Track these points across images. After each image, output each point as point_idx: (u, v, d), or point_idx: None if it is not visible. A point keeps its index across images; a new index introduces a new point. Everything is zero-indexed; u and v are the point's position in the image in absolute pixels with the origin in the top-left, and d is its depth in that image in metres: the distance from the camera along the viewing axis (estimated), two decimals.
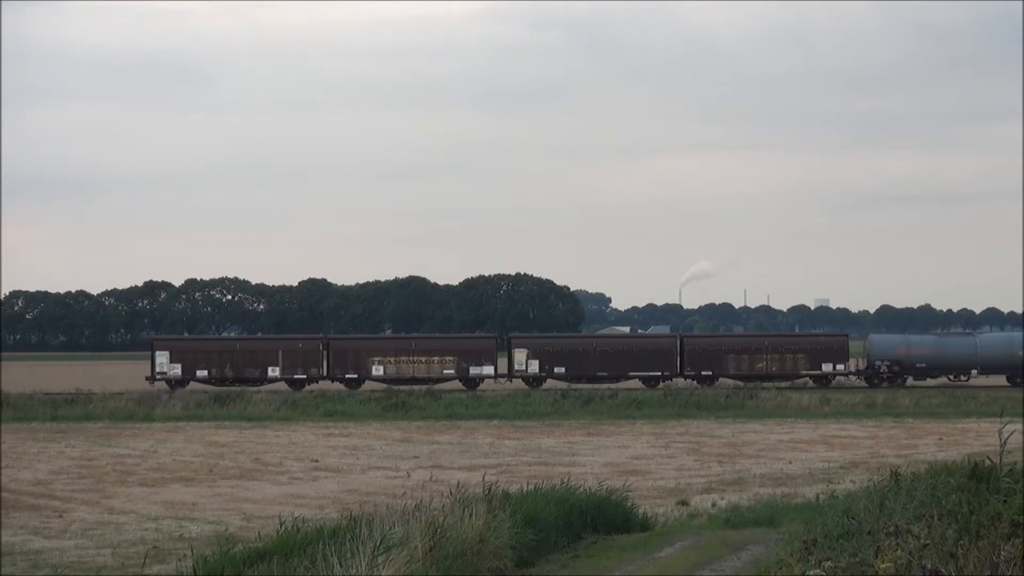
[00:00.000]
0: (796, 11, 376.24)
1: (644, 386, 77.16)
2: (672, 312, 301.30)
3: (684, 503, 29.47)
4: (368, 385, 78.13)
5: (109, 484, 34.93)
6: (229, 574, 14.91)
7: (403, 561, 14.48)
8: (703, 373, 79.75)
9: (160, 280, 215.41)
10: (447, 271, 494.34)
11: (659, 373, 79.77)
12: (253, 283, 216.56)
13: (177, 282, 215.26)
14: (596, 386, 75.00)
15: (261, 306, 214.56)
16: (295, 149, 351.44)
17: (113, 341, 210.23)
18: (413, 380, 78.06)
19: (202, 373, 79.17)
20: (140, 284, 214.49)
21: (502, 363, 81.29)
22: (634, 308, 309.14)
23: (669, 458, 40.76)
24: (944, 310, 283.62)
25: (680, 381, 79.32)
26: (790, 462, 38.82)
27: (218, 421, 56.64)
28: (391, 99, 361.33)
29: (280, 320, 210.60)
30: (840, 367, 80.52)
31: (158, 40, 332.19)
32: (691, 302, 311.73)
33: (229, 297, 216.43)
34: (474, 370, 79.64)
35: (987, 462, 13.92)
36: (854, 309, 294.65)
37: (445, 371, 79.68)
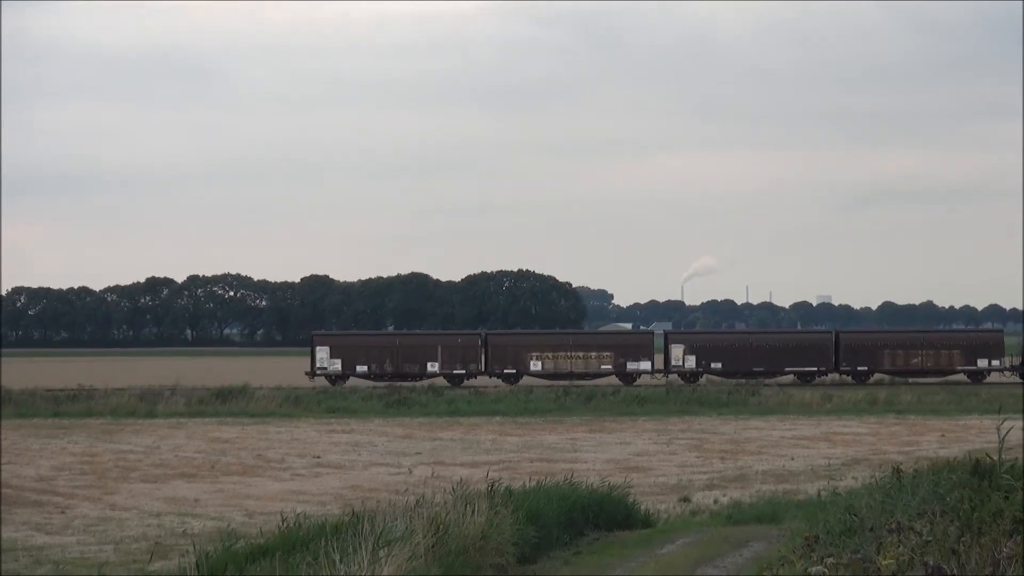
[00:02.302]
0: (798, 9, 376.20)
1: (800, 382, 77.84)
2: (674, 309, 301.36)
3: (686, 500, 29.48)
4: (526, 380, 78.21)
5: (111, 480, 34.96)
6: (231, 570, 14.92)
7: (405, 557, 14.49)
8: (858, 369, 79.96)
9: (162, 276, 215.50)
10: (449, 268, 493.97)
11: (815, 368, 79.93)
12: (255, 279, 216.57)
13: (179, 278, 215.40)
14: (752, 381, 75.55)
15: (263, 302, 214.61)
16: (297, 146, 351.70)
17: (115, 337, 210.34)
18: (571, 375, 78.51)
19: (362, 368, 79.55)
20: (142, 280, 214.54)
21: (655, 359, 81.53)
22: (636, 305, 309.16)
23: (671, 455, 40.77)
24: (946, 307, 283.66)
25: (835, 376, 79.71)
26: (792, 459, 38.82)
27: (220, 417, 56.64)
28: (394, 96, 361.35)
29: (282, 317, 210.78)
30: (995, 363, 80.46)
31: (160, 37, 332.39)
32: (693, 299, 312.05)
33: (231, 293, 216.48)
34: (631, 365, 79.66)
35: (988, 459, 13.94)
36: (856, 306, 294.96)
37: (603, 366, 79.78)
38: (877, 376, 79.62)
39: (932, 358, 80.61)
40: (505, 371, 79.38)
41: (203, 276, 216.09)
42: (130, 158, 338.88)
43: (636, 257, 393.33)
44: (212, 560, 15.29)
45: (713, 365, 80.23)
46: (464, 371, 79.44)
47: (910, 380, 77.47)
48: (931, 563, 8.99)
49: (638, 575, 17.30)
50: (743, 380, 76.44)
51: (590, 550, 19.69)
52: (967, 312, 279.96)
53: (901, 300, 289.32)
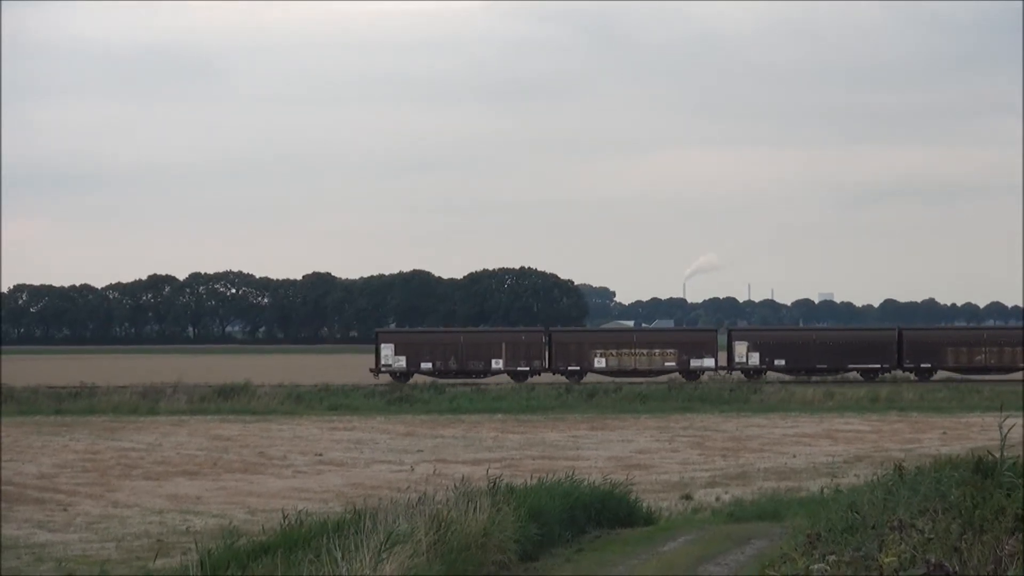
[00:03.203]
0: (800, 7, 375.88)
1: (863, 378, 77.92)
2: (676, 306, 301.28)
3: (688, 497, 29.48)
4: (590, 377, 78.27)
5: (113, 478, 34.97)
6: (233, 568, 14.92)
7: (407, 555, 14.49)
8: (922, 366, 79.99)
9: (164, 274, 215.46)
10: (451, 265, 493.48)
11: (878, 365, 79.96)
12: (257, 277, 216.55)
13: (181, 276, 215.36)
14: (815, 378, 75.74)
15: (265, 300, 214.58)
16: (299, 143, 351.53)
17: (117, 335, 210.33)
18: (635, 372, 78.70)
19: (426, 365, 79.76)
20: (144, 278, 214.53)
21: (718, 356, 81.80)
22: (638, 302, 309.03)
23: (673, 452, 40.77)
24: (948, 304, 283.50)
25: (898, 373, 79.77)
26: (794, 456, 38.82)
27: (222, 415, 56.65)
28: (396, 94, 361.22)
29: (284, 315, 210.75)
30: None
31: (161, 35, 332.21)
32: (695, 296, 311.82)
33: (233, 291, 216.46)
34: (695, 362, 79.75)
35: (990, 457, 13.94)
36: (858, 303, 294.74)
37: (666, 363, 79.86)
38: (941, 374, 79.46)
39: (995, 355, 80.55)
40: (569, 368, 79.47)
41: (205, 273, 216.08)
42: (132, 155, 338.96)
43: (638, 255, 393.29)
44: (214, 558, 15.29)
45: (776, 362, 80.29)
46: (528, 368, 79.61)
47: (973, 377, 77.58)
48: (933, 561, 8.99)
49: (640, 573, 17.30)
50: (806, 377, 76.79)
51: (592, 548, 19.69)
52: (969, 309, 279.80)
53: (903, 297, 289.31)
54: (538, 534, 18.65)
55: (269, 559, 14.93)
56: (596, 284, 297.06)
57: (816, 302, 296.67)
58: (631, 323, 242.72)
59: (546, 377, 78.58)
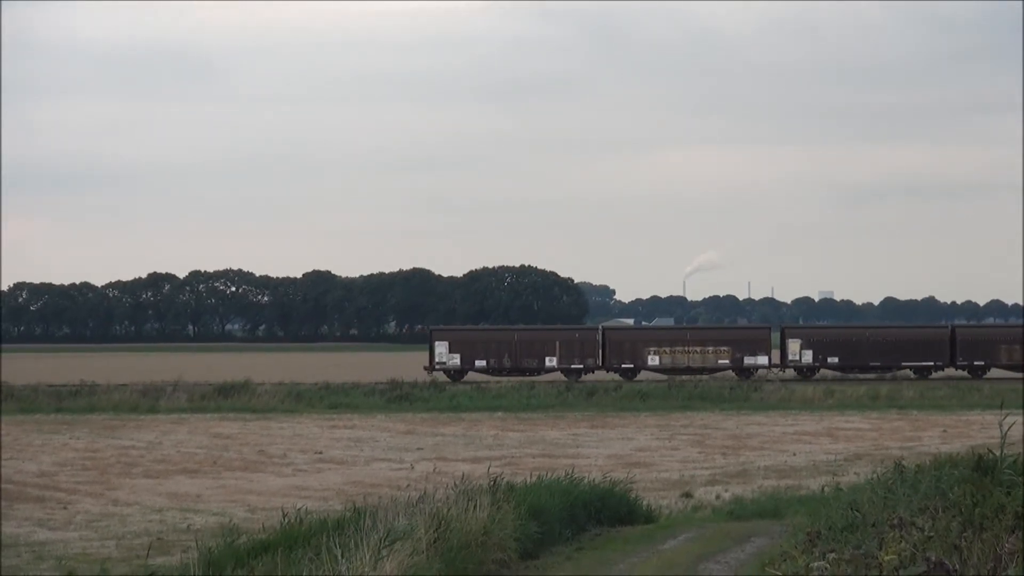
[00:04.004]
0: (801, 5, 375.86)
1: (915, 376, 78.03)
2: (676, 304, 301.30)
3: (688, 495, 29.48)
4: (644, 375, 78.39)
5: (113, 476, 34.97)
6: (233, 566, 14.92)
7: (407, 553, 14.49)
8: (975, 363, 79.96)
9: (164, 272, 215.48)
10: (451, 263, 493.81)
11: (931, 363, 80.00)
12: (257, 275, 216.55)
13: (181, 274, 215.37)
14: (869, 376, 76.04)
15: (265, 298, 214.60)
16: (299, 142, 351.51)
17: (117, 333, 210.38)
18: (688, 370, 78.61)
19: (480, 363, 79.98)
20: (144, 276, 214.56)
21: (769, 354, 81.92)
22: (638, 300, 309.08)
23: (673, 450, 40.77)
24: (948, 302, 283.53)
25: (951, 371, 79.81)
26: (794, 454, 38.83)
27: (222, 413, 56.65)
28: (397, 92, 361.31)
29: (284, 313, 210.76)
30: None
31: (161, 33, 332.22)
32: (695, 294, 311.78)
33: (233, 289, 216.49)
34: (748, 360, 79.86)
35: (990, 455, 13.93)
36: (858, 301, 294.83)
37: (720, 361, 79.93)
38: (995, 371, 79.29)
39: None
40: (623, 366, 79.59)
41: (205, 272, 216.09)
42: (132, 154, 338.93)
43: (638, 253, 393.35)
44: (214, 556, 15.29)
45: (830, 360, 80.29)
46: (582, 366, 79.72)
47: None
48: (933, 559, 8.98)
49: (640, 570, 17.30)
50: (860, 375, 76.79)
51: (592, 546, 19.69)
52: (969, 307, 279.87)
53: (903, 295, 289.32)
54: (538, 532, 18.64)
55: (269, 557, 14.93)
56: (596, 282, 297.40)
57: (816, 300, 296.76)
58: (631, 321, 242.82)
59: (599, 375, 78.80)
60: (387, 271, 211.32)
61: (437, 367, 79.55)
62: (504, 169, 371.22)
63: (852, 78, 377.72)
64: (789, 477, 32.86)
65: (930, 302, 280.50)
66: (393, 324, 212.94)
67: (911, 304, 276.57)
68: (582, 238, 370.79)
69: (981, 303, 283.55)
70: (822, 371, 79.84)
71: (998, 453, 13.65)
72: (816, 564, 10.14)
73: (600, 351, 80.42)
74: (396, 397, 62.10)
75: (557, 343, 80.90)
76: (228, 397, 61.57)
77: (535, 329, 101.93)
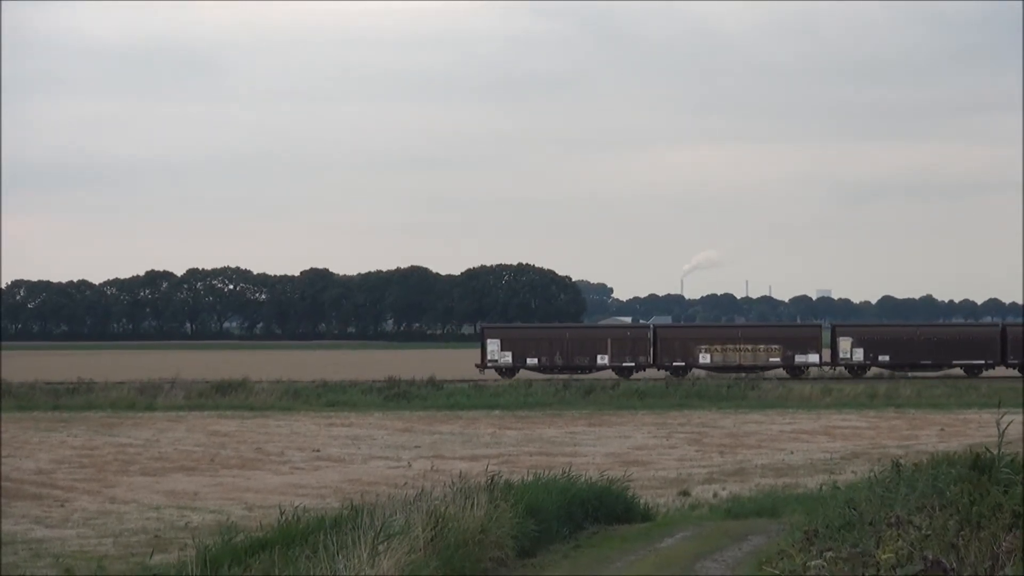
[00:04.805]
0: (801, 4, 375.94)
1: (965, 374, 78.00)
2: (674, 302, 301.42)
3: (685, 493, 29.47)
4: (694, 373, 78.44)
5: (111, 473, 34.95)
6: (231, 564, 14.91)
7: (404, 551, 14.48)
8: None
9: (162, 270, 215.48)
10: (449, 261, 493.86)
11: (982, 362, 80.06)
12: (255, 273, 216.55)
13: (179, 272, 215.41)
14: (920, 374, 76.25)
15: (263, 296, 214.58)
16: (297, 140, 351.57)
17: (115, 330, 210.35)
18: (739, 368, 78.97)
19: (532, 361, 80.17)
20: (142, 274, 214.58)
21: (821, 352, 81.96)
22: (635, 298, 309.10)
23: (671, 448, 40.76)
24: (946, 301, 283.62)
25: (1002, 370, 79.83)
26: (792, 452, 38.82)
27: (220, 411, 56.61)
28: (395, 90, 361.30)
29: (281, 311, 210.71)
30: None
31: (160, 31, 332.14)
32: (693, 293, 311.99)
33: (231, 287, 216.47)
34: (799, 358, 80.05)
35: (988, 453, 13.92)
36: (856, 300, 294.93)
37: (771, 359, 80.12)
38: None
39: None
40: (674, 364, 79.78)
41: (202, 269, 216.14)
42: (130, 151, 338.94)
43: (636, 251, 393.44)
44: (211, 553, 15.27)
45: (881, 358, 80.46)
46: (633, 364, 79.99)
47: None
48: (930, 557, 8.98)
49: (638, 569, 17.29)
50: (910, 373, 76.95)
51: (589, 544, 19.68)
52: (967, 306, 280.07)
53: (900, 294, 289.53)
54: (536, 530, 18.64)
55: (266, 555, 14.92)
56: (594, 280, 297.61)
57: (814, 299, 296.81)
58: (628, 319, 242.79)
59: (651, 372, 79.01)
60: (385, 269, 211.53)
61: (489, 365, 79.99)
62: (503, 167, 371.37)
63: (852, 77, 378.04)
64: (786, 475, 32.85)
65: (928, 301, 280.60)
66: (391, 322, 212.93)
67: (909, 303, 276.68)
68: (580, 236, 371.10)
69: (979, 302, 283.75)
70: (872, 369, 79.99)
71: (996, 452, 13.64)
72: (813, 562, 10.15)
73: (651, 349, 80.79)
74: (393, 395, 62.05)
75: (609, 341, 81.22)
76: (226, 395, 61.53)
77: (587, 327, 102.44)
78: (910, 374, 78.07)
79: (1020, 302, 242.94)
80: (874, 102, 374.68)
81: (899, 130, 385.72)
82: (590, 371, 79.53)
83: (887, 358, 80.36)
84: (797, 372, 79.05)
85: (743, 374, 76.01)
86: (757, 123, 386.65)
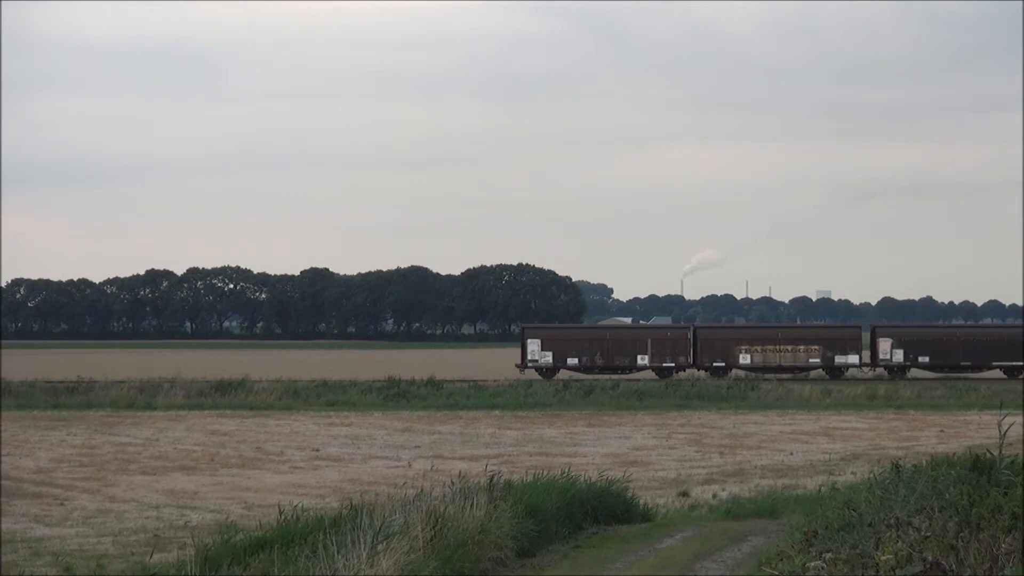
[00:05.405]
0: (802, 3, 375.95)
1: (1006, 376, 78.14)
2: (674, 303, 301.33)
3: (685, 494, 29.46)
4: (734, 373, 78.55)
5: (110, 472, 34.94)
6: (230, 563, 14.91)
7: (403, 550, 14.49)
8: None
9: (162, 269, 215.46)
10: (449, 261, 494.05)
11: (1022, 363, 79.85)
12: (255, 272, 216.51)
13: (179, 271, 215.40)
14: (960, 376, 76.44)
15: (263, 295, 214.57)
16: (297, 139, 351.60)
17: (115, 329, 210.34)
18: (779, 368, 79.24)
19: (573, 361, 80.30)
20: (142, 272, 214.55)
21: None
22: (636, 299, 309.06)
23: (670, 449, 40.75)
24: (946, 302, 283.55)
25: None
26: (791, 453, 38.81)
27: (219, 410, 56.58)
28: (394, 89, 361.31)
29: (281, 310, 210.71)
30: None
31: (160, 29, 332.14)
32: (693, 293, 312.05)
33: (231, 286, 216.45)
34: (839, 359, 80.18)
35: (988, 455, 13.92)
36: (856, 301, 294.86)
37: (811, 359, 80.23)
38: None
39: None
40: (714, 364, 79.87)
41: (203, 268, 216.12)
42: (130, 150, 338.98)
43: (636, 251, 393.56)
44: (211, 552, 15.28)
45: (921, 359, 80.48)
46: (673, 364, 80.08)
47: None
48: (929, 559, 8.98)
49: (637, 569, 17.29)
50: (951, 374, 77.20)
51: (589, 544, 19.68)
52: (966, 307, 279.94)
53: (900, 295, 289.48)
54: (535, 530, 18.63)
55: (266, 554, 14.93)
56: (594, 281, 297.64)
57: (814, 300, 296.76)
58: (628, 320, 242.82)
59: (691, 373, 79.12)
60: (385, 269, 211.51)
61: (529, 365, 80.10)
62: (503, 167, 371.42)
63: (852, 76, 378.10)
64: (786, 476, 32.85)
65: (928, 302, 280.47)
66: (391, 322, 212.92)
67: (909, 304, 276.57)
68: (580, 236, 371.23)
69: (979, 303, 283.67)
70: (912, 370, 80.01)
71: (996, 453, 13.64)
72: (813, 563, 10.14)
73: (691, 349, 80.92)
74: (393, 395, 62.02)
75: (649, 341, 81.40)
76: (225, 394, 61.51)
77: (627, 327, 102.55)
78: (951, 375, 77.96)
79: (1020, 304, 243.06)
80: (874, 102, 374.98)
81: (899, 130, 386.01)
82: (630, 371, 79.59)
83: (927, 359, 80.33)
84: (837, 373, 79.10)
85: (783, 375, 76.32)
86: (757, 123, 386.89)
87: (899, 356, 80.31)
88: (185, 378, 66.76)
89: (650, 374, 78.89)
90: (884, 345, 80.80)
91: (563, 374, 78.87)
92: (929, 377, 76.95)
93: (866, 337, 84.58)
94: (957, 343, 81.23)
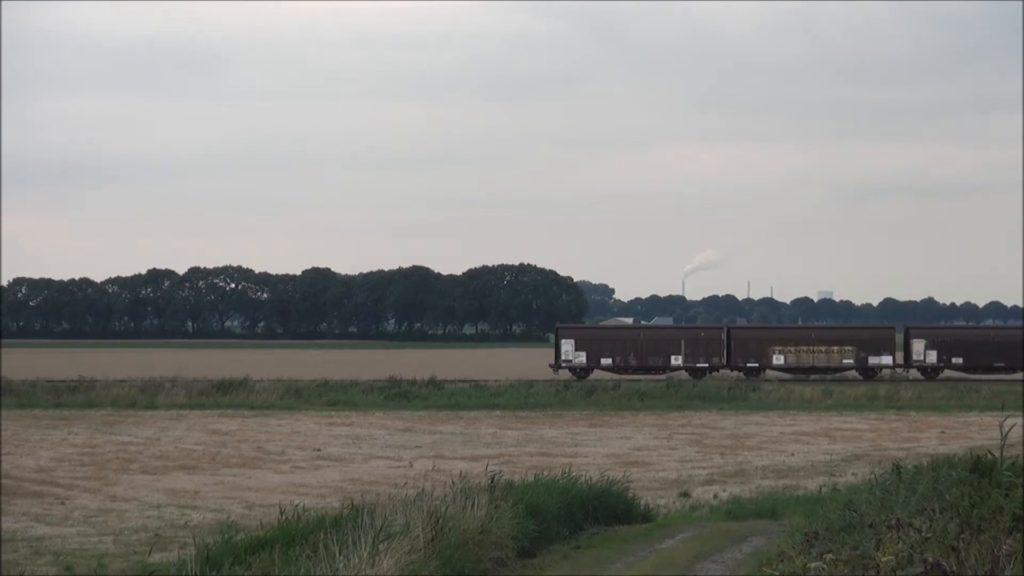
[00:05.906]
0: (802, 4, 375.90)
1: None
2: (675, 303, 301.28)
3: (686, 495, 29.45)
4: (769, 374, 78.63)
5: (111, 472, 34.94)
6: (231, 562, 14.91)
7: (404, 550, 14.49)
8: None
9: (163, 268, 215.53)
10: (450, 261, 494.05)
11: None
12: (256, 272, 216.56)
13: (180, 270, 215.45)
14: (994, 377, 76.61)
15: (264, 295, 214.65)
16: (300, 138, 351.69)
17: (116, 328, 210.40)
18: (812, 369, 79.33)
19: (606, 361, 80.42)
20: (143, 272, 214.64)
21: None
22: (637, 299, 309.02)
23: (671, 449, 40.75)
24: (947, 303, 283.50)
25: None
26: (792, 454, 38.80)
27: (221, 409, 56.59)
28: (396, 89, 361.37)
29: (283, 310, 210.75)
30: None
31: (162, 29, 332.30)
32: (694, 294, 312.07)
33: (232, 286, 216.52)
34: (873, 360, 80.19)
35: (989, 456, 13.93)
36: (857, 302, 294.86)
37: (844, 360, 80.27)
38: None
39: None
40: (748, 365, 79.96)
41: (204, 268, 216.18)
42: (132, 149, 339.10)
43: (637, 251, 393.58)
44: (212, 552, 15.28)
45: (954, 360, 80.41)
46: (707, 364, 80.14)
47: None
48: (930, 560, 8.98)
49: (638, 569, 17.29)
50: (984, 375, 77.20)
51: (589, 544, 19.69)
52: (968, 308, 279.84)
53: (902, 296, 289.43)
54: (536, 531, 18.64)
55: (266, 554, 14.93)
56: (595, 281, 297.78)
57: (815, 300, 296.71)
58: (629, 320, 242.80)
59: (724, 373, 79.16)
60: (386, 268, 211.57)
61: (563, 365, 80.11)
62: (504, 167, 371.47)
63: (852, 76, 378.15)
64: (787, 477, 32.84)
65: (929, 303, 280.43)
66: (392, 322, 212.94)
67: (910, 305, 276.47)
68: (581, 237, 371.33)
69: (980, 304, 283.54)
70: (945, 371, 79.91)
71: (997, 455, 13.64)
72: (813, 564, 10.14)
73: (725, 350, 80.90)
74: (394, 395, 62.04)
75: (683, 342, 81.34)
76: (227, 394, 61.53)
77: (661, 328, 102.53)
78: (985, 376, 77.79)
79: (1022, 305, 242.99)
80: (874, 102, 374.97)
81: (899, 130, 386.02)
82: (664, 371, 79.62)
83: (960, 360, 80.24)
84: (870, 374, 79.10)
85: (817, 376, 76.29)
86: (757, 123, 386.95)
87: (932, 357, 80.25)
88: (186, 377, 66.80)
89: (683, 374, 78.80)
90: (918, 346, 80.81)
91: (597, 374, 78.86)
92: (964, 378, 76.78)
93: (899, 339, 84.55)
94: (991, 344, 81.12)
